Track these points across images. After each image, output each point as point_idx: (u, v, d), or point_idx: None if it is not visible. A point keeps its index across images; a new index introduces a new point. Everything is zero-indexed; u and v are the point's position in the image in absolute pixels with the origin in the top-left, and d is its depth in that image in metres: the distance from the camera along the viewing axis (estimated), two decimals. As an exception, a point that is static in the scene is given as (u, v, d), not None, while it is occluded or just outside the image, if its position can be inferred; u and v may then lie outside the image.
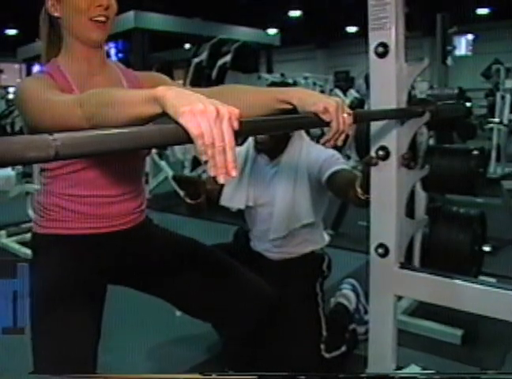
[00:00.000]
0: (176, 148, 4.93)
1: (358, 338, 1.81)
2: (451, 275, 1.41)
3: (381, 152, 1.42)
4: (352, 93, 6.66)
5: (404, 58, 1.39)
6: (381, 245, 1.48)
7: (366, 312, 1.87)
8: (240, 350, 1.38)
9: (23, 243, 3.38)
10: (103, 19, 1.10)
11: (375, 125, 1.42)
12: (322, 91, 6.84)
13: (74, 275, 1.12)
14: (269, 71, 8.74)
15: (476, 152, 2.24)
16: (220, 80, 4.99)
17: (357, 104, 5.82)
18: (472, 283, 1.37)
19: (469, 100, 8.88)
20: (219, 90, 1.16)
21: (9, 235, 3.54)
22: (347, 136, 0.99)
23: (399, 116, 1.38)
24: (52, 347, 1.06)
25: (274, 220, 1.68)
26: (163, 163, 4.89)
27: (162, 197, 4.72)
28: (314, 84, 7.08)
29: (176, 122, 0.63)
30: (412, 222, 1.59)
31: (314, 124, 0.97)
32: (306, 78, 7.19)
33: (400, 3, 1.35)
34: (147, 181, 4.93)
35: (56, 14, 1.13)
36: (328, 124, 0.94)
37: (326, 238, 1.82)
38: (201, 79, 4.84)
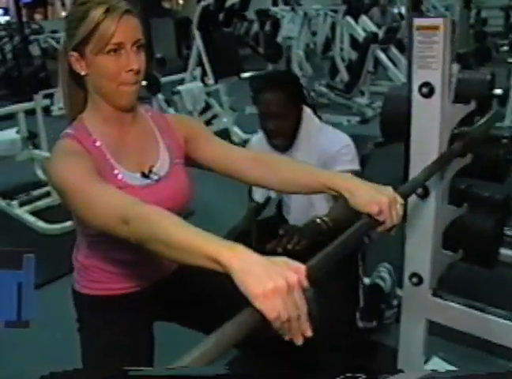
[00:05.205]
0: (185, 96, 4.78)
1: (384, 320, 1.91)
2: (484, 308, 1.43)
3: (420, 190, 1.38)
4: (364, 20, 6.24)
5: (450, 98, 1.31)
6: (415, 275, 1.50)
7: (395, 297, 1.96)
8: None
9: (35, 213, 3.28)
10: (132, 81, 1.03)
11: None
12: (334, 23, 6.39)
13: (124, 333, 1.17)
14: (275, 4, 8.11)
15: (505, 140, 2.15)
16: (227, 24, 4.72)
17: (372, 38, 5.49)
18: (506, 319, 1.38)
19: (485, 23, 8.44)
20: (258, 158, 1.14)
21: (21, 205, 3.40)
22: None
23: (440, 168, 1.29)
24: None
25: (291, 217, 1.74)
26: (171, 111, 4.75)
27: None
28: (326, 14, 6.64)
29: (247, 301, 0.63)
30: (449, 254, 1.57)
31: (368, 227, 0.94)
32: (317, 10, 6.72)
33: (449, 42, 1.24)
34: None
35: (83, 73, 1.04)
36: (381, 223, 0.92)
37: None
38: (209, 23, 4.55)
